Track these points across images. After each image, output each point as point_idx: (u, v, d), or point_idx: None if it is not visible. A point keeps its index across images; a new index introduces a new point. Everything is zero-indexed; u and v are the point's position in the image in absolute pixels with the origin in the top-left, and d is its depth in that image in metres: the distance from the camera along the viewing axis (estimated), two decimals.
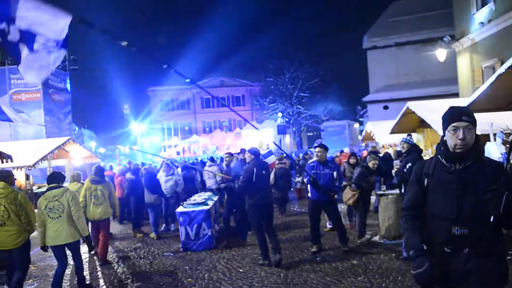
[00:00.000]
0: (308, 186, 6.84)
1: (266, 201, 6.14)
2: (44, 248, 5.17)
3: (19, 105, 20.59)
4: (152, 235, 8.63)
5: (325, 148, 6.72)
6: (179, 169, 11.11)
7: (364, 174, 7.15)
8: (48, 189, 5.22)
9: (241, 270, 5.93)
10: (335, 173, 6.46)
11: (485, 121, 7.91)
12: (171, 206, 9.47)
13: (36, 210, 5.20)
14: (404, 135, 12.87)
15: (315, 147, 6.92)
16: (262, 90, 42.98)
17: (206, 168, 11.24)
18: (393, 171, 6.44)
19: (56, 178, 5.36)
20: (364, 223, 7.31)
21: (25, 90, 20.76)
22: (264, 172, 6.13)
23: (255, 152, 6.30)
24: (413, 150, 6.10)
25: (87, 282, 5.80)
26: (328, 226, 7.73)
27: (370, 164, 7.26)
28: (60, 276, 5.19)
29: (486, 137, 7.83)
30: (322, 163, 6.54)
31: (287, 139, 39.28)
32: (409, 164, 5.90)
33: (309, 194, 6.83)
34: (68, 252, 5.41)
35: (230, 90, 51.04)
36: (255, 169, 6.01)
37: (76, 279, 5.62)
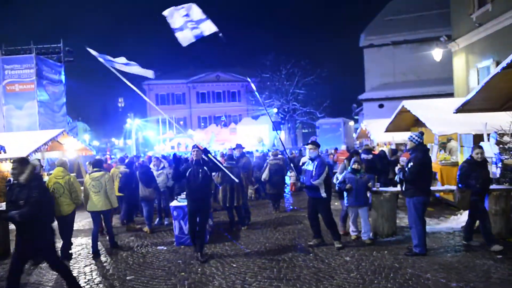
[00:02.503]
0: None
1: (195, 196, 6.48)
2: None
3: (12, 96, 20.42)
4: (146, 229, 8.62)
5: (313, 144, 6.81)
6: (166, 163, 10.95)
7: (468, 169, 6.22)
8: (92, 171, 7.31)
9: (234, 265, 5.94)
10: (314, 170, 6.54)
11: (479, 121, 7.98)
12: (164, 200, 9.46)
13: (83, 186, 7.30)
14: (397, 134, 12.91)
15: (306, 144, 7.02)
16: (258, 86, 42.96)
17: None
18: (396, 168, 6.32)
19: (99, 164, 7.55)
20: (488, 230, 6.10)
21: (19, 81, 20.49)
22: (200, 170, 6.48)
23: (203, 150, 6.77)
24: (418, 149, 5.96)
25: (86, 276, 5.82)
26: (352, 233, 7.01)
27: (475, 154, 6.20)
28: (96, 235, 7.16)
29: (480, 137, 7.90)
30: (312, 159, 6.68)
31: (282, 135, 39.30)
32: (411, 163, 5.87)
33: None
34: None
35: (226, 85, 50.92)
36: (193, 167, 6.54)
37: (108, 238, 7.48)
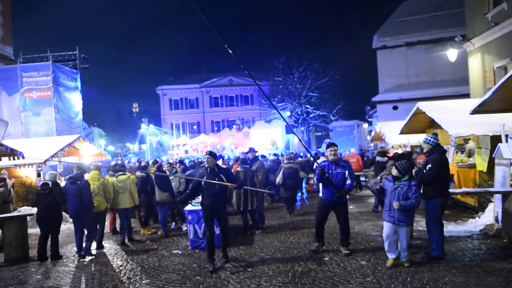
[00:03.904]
0: (320, 185, 6.71)
1: (211, 205, 6.21)
2: (112, 208, 8.56)
3: (30, 103, 20.87)
4: (160, 232, 8.69)
5: (337, 146, 6.63)
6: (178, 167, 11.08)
7: None
8: (118, 174, 8.44)
9: (249, 269, 5.93)
10: (346, 172, 6.35)
11: (496, 122, 7.83)
12: (178, 205, 9.52)
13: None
14: (412, 136, 12.75)
15: (327, 147, 6.61)
16: (271, 90, 42.99)
17: None
18: (414, 170, 6.20)
19: (123, 168, 8.92)
20: None
21: (37, 88, 20.97)
22: (216, 178, 6.15)
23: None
24: (436, 151, 5.87)
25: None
26: (391, 257, 5.63)
27: None
28: (123, 227, 8.23)
29: (498, 138, 7.75)
30: (334, 162, 6.43)
31: (295, 138, 39.17)
32: (429, 165, 5.77)
33: (320, 194, 6.72)
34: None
35: (238, 90, 51.13)
36: (207, 175, 6.21)
37: (127, 232, 8.32)
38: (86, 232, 7.41)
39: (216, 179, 6.16)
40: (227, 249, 6.46)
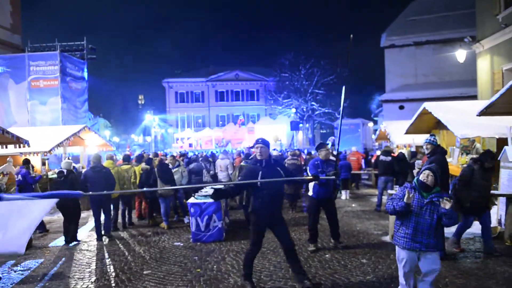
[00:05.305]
0: (311, 185, 6.68)
1: (267, 211, 4.78)
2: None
3: (37, 92, 20.97)
4: (163, 225, 8.73)
5: (327, 145, 6.86)
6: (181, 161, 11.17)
7: None
8: (122, 164, 9.44)
9: None
10: None
11: (503, 125, 7.78)
12: (179, 198, 9.58)
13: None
14: (417, 136, 12.71)
15: (320, 148, 6.72)
16: (277, 86, 42.89)
17: (218, 161, 11.32)
18: (415, 171, 6.22)
19: (128, 158, 9.86)
20: None
21: (44, 77, 21.07)
22: (275, 174, 4.77)
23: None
24: (438, 152, 5.93)
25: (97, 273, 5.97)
26: None
27: None
28: (123, 213, 9.12)
29: (504, 141, 7.70)
30: (325, 161, 6.58)
31: (300, 135, 39.14)
32: (433, 165, 5.79)
33: (311, 193, 6.72)
34: None
35: (245, 84, 51.04)
36: (262, 169, 4.76)
37: (127, 217, 9.27)
38: (104, 216, 8.01)
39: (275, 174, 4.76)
40: (302, 267, 4.97)
